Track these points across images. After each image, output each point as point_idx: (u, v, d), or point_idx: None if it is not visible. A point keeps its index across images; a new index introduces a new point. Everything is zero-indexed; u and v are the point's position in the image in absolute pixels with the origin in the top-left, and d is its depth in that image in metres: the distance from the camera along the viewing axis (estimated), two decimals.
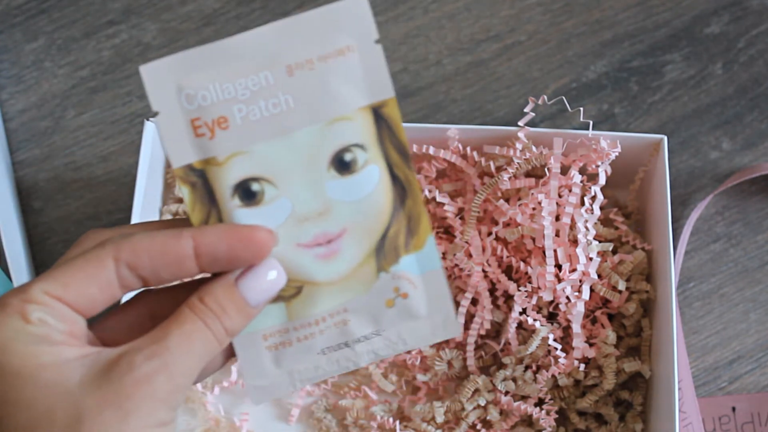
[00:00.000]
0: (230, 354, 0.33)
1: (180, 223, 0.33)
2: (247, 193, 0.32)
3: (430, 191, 0.54)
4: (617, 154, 0.52)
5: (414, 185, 0.34)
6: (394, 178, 0.33)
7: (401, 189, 0.34)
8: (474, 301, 0.55)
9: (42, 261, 0.59)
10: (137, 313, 0.33)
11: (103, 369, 0.29)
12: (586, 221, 0.52)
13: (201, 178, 0.32)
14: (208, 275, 0.32)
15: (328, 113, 0.32)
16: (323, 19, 0.32)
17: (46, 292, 0.29)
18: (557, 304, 0.53)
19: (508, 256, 0.53)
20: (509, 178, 0.53)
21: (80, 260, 0.30)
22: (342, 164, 0.33)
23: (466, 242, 0.53)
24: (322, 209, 0.33)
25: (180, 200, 0.58)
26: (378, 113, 0.33)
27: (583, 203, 0.53)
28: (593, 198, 0.53)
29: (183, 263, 0.30)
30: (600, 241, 0.53)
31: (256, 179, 0.32)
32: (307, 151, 0.32)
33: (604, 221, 0.56)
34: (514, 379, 0.53)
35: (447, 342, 0.55)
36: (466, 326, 0.54)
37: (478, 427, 0.53)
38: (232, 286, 0.31)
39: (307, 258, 0.33)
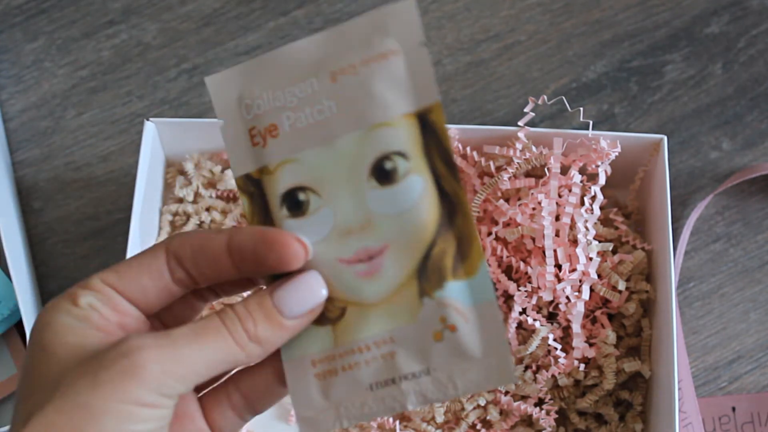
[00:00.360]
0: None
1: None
2: (294, 202, 0.31)
3: None
4: (617, 154, 0.52)
5: (464, 201, 0.31)
6: (442, 192, 0.31)
7: (450, 205, 0.31)
8: None
9: (42, 261, 0.59)
10: None
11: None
12: (586, 221, 0.52)
13: (257, 188, 0.32)
14: None
15: (370, 119, 0.31)
16: (369, 24, 0.31)
17: (102, 279, 0.30)
18: (557, 304, 0.53)
19: (508, 256, 0.53)
20: (509, 178, 0.53)
21: (138, 253, 0.31)
22: (382, 173, 0.31)
23: None
24: (364, 222, 0.31)
25: (180, 200, 0.58)
26: (425, 121, 0.31)
27: (583, 203, 0.53)
28: (593, 198, 0.53)
29: (218, 259, 0.30)
30: (600, 241, 0.53)
31: (302, 188, 0.31)
32: (349, 158, 0.31)
33: (604, 221, 0.56)
34: None
35: None
36: None
37: (478, 427, 0.53)
38: (265, 294, 0.31)
39: (349, 275, 0.31)
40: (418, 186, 0.31)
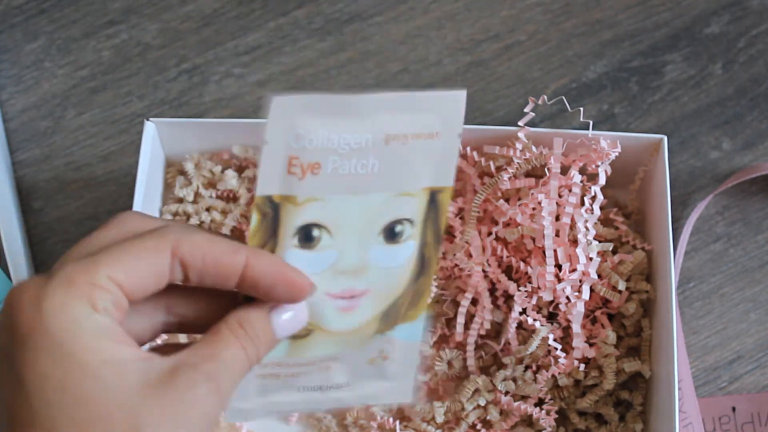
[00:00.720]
0: None
1: (231, 238, 0.33)
2: (307, 236, 0.34)
3: None
4: (617, 154, 0.52)
5: (432, 267, 0.36)
6: (422, 257, 0.36)
7: (421, 267, 0.36)
8: (474, 301, 0.55)
9: (42, 261, 0.59)
10: (155, 306, 0.33)
11: (161, 380, 0.29)
12: (586, 221, 0.52)
13: (274, 210, 0.33)
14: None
15: (401, 186, 0.34)
16: (427, 102, 0.33)
17: (110, 277, 0.29)
18: (557, 304, 0.53)
19: (508, 256, 0.53)
20: (509, 178, 0.53)
21: (140, 247, 0.30)
22: (391, 234, 0.35)
23: (466, 242, 0.53)
24: (358, 268, 0.35)
25: (180, 200, 0.58)
26: (433, 196, 0.35)
27: (583, 203, 0.53)
28: (593, 198, 0.53)
29: (229, 278, 0.31)
30: (600, 241, 0.53)
31: (318, 225, 0.34)
32: (370, 213, 0.34)
33: (604, 221, 0.56)
34: (514, 379, 0.53)
35: (447, 342, 0.55)
36: (466, 326, 0.54)
37: (478, 427, 0.53)
38: (266, 318, 0.32)
39: (330, 307, 0.35)
40: (411, 249, 0.35)
